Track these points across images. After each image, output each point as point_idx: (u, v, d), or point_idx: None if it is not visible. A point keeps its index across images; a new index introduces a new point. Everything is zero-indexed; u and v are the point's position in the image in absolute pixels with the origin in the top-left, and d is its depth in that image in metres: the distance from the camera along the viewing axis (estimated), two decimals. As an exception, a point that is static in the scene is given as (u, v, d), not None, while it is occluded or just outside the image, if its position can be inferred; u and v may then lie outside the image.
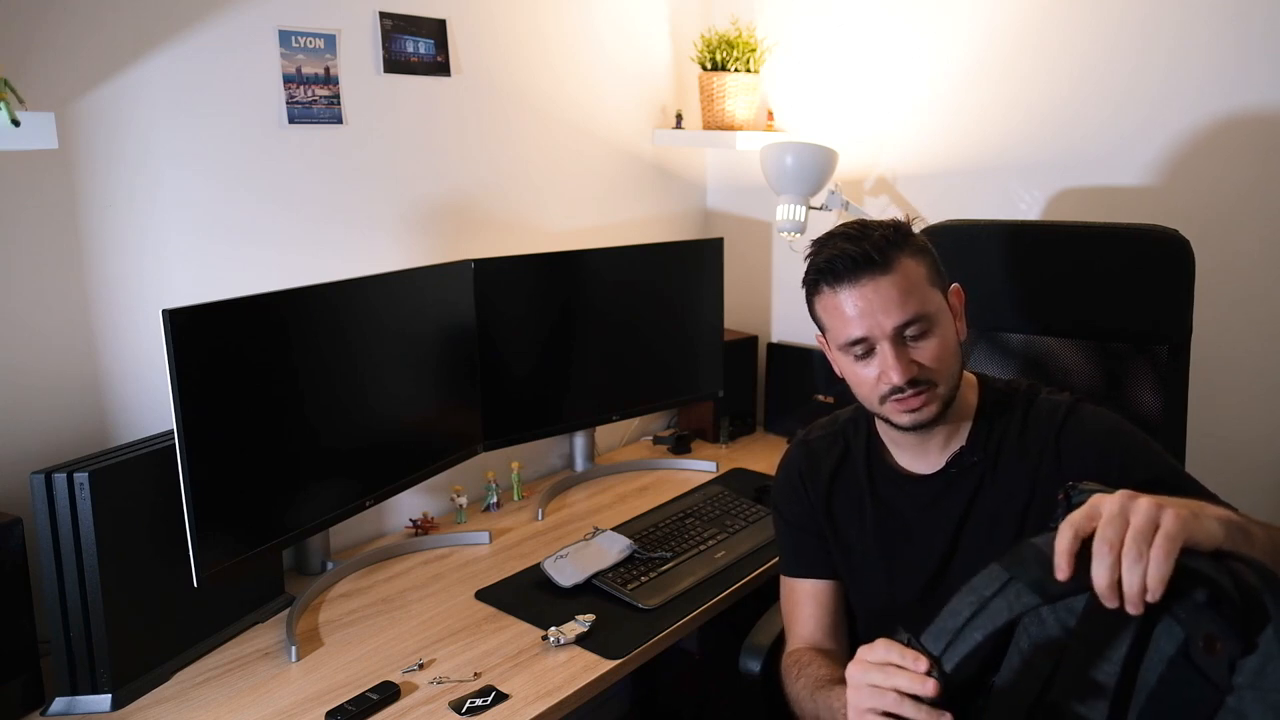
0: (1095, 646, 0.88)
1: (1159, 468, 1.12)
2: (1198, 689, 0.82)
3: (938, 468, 1.23)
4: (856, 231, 1.15)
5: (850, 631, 1.36)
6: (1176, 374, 1.44)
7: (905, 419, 1.16)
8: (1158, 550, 0.77)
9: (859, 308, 1.13)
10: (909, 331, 1.13)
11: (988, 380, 1.26)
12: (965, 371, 1.24)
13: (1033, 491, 1.17)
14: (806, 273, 1.20)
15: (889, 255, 1.12)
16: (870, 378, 1.16)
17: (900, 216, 1.20)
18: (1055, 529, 0.95)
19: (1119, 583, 0.78)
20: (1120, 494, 0.81)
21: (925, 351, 1.13)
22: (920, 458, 1.24)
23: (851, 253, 1.12)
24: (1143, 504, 0.79)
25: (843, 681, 1.16)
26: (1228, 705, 0.80)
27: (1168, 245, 1.43)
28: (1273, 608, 0.77)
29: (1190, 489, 1.09)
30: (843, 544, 1.31)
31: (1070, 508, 0.93)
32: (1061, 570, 0.80)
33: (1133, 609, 0.78)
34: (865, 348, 1.14)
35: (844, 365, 1.20)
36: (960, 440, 1.22)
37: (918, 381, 1.13)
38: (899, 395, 1.14)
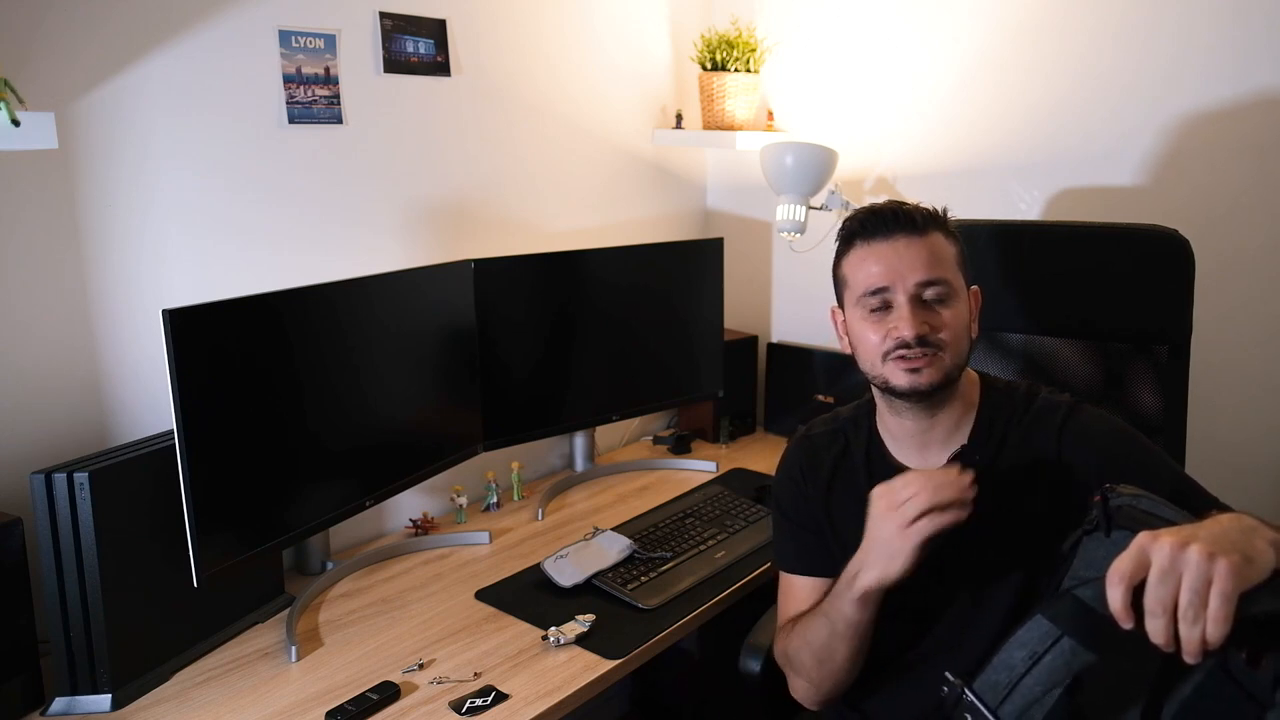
0: (1128, 653, 0.87)
1: (1161, 471, 1.12)
2: (1235, 702, 0.81)
3: (939, 464, 1.23)
4: (897, 203, 1.20)
5: None
6: (1176, 374, 1.44)
7: (904, 380, 1.15)
8: (1215, 611, 0.76)
9: (887, 259, 1.16)
10: (929, 293, 1.15)
11: (988, 379, 1.27)
12: (969, 369, 1.25)
13: (1034, 491, 1.17)
14: (840, 232, 1.24)
15: (926, 224, 1.17)
16: (878, 337, 1.17)
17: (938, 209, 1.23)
18: (1080, 542, 0.94)
19: (1176, 636, 0.77)
20: (1168, 541, 0.79)
21: (940, 317, 1.15)
22: (921, 453, 1.25)
23: (891, 210, 1.18)
24: (1194, 557, 0.77)
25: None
26: None
27: (1167, 245, 1.42)
28: None
29: (1190, 492, 1.09)
30: (841, 540, 1.30)
31: (1107, 511, 0.92)
32: (1125, 622, 0.79)
33: (1191, 659, 0.77)
34: (882, 300, 1.16)
35: (854, 325, 1.21)
36: (962, 438, 1.22)
37: (925, 341, 1.13)
38: (904, 350, 1.14)
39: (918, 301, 1.15)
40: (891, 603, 1.28)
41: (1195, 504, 1.03)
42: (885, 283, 1.16)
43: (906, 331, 1.13)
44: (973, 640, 1.16)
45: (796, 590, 1.36)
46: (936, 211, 1.20)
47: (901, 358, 1.15)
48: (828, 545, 1.32)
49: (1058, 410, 1.19)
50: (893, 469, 1.26)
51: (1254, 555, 0.79)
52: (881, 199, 2.20)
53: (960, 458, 1.21)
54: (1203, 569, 0.77)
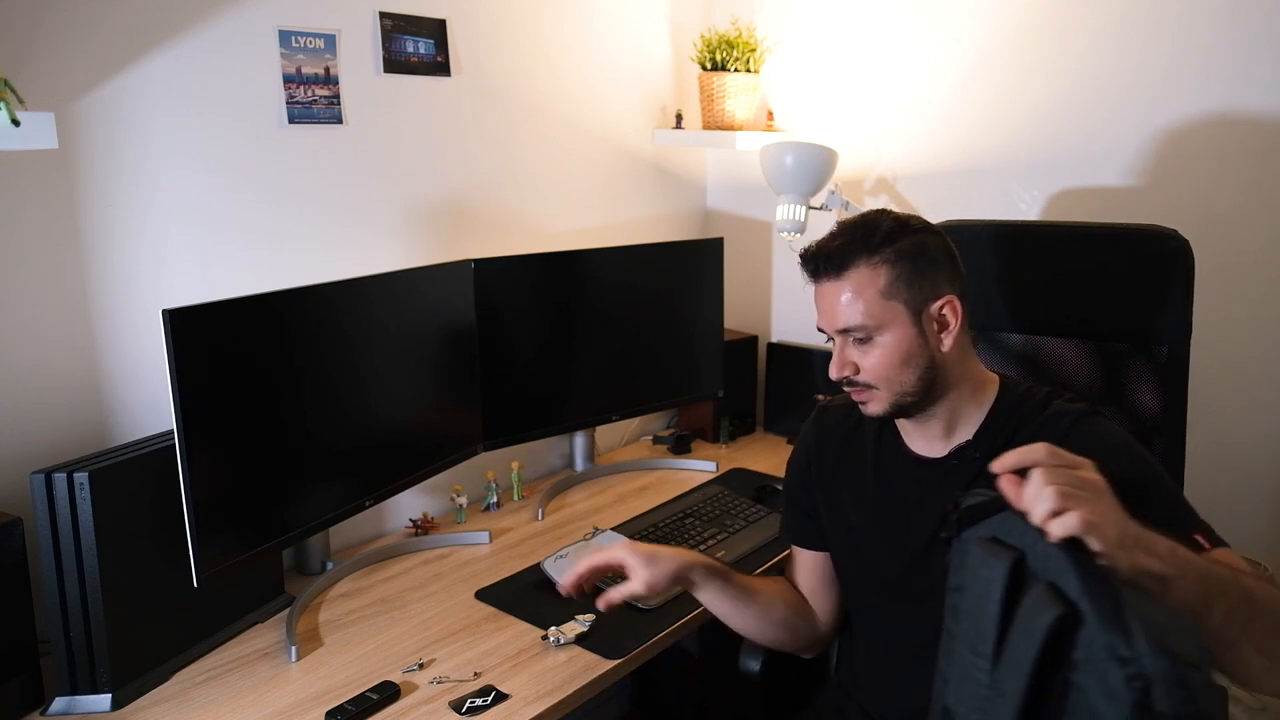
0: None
1: (1156, 491, 1.11)
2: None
3: (942, 454, 1.25)
4: (840, 229, 1.22)
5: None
6: (1176, 374, 1.44)
7: (859, 406, 1.24)
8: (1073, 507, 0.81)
9: (819, 303, 1.23)
10: (852, 336, 1.19)
11: (1009, 382, 1.27)
12: (988, 371, 1.27)
13: None
14: None
15: (845, 262, 1.18)
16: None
17: (925, 214, 1.24)
18: (949, 555, 0.95)
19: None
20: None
21: (864, 358, 1.20)
22: (924, 442, 1.27)
23: (812, 252, 1.21)
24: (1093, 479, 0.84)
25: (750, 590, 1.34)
26: (1073, 683, 0.80)
27: (1167, 245, 1.42)
28: (1082, 580, 0.79)
29: (1183, 516, 1.09)
30: (840, 515, 1.34)
31: (960, 516, 0.94)
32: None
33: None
34: (828, 334, 1.23)
35: None
36: (967, 434, 1.24)
37: (853, 382, 1.21)
38: (843, 385, 1.23)
39: (846, 340, 1.21)
40: (874, 583, 1.29)
41: (1185, 528, 1.04)
42: (821, 325, 1.23)
43: (831, 374, 1.22)
44: None
45: (795, 557, 1.44)
46: (870, 233, 1.18)
47: (844, 387, 1.24)
48: (820, 524, 1.38)
49: (1065, 418, 1.19)
50: (899, 454, 1.29)
51: (1142, 546, 0.83)
52: (881, 199, 2.23)
53: (960, 453, 1.23)
54: (1089, 485, 0.84)
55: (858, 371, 1.20)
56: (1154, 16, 1.80)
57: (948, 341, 1.19)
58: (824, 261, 1.19)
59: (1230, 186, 1.77)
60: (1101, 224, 1.51)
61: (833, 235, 1.21)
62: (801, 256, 1.23)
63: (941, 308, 1.19)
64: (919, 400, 1.20)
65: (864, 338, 1.18)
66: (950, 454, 1.24)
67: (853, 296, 1.17)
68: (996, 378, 1.27)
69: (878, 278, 1.17)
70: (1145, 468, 1.15)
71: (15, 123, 1.12)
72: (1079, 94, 1.91)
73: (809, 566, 1.42)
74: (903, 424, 1.28)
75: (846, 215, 2.12)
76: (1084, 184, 1.94)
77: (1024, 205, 2.02)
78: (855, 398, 1.23)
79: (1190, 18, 1.76)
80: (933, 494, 1.24)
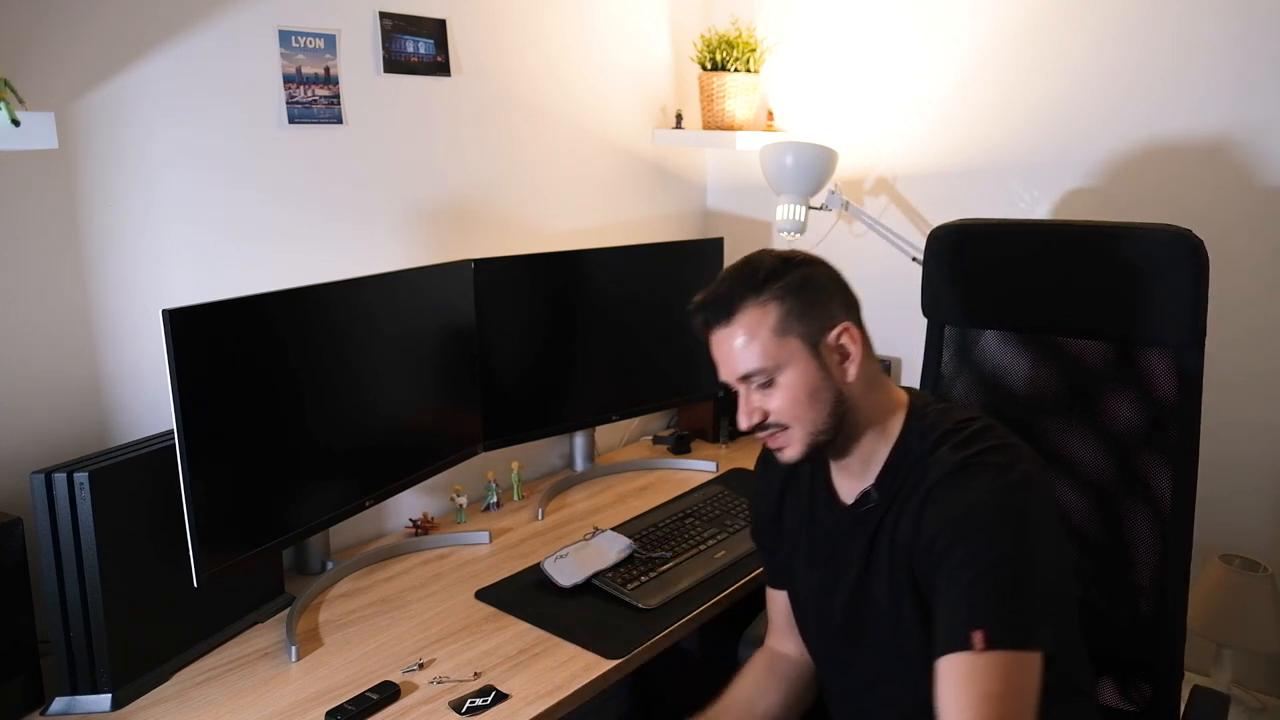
0: None
1: (974, 566, 1.03)
2: None
3: (854, 495, 1.20)
4: (723, 275, 1.16)
5: None
6: (1190, 375, 1.43)
7: (776, 454, 1.18)
8: None
9: (715, 354, 1.16)
10: (752, 381, 1.14)
11: (914, 413, 1.19)
12: (900, 397, 1.20)
13: (904, 541, 1.12)
14: None
15: (732, 306, 1.12)
16: None
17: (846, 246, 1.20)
18: None
19: None
20: None
21: (769, 400, 1.14)
22: (846, 483, 1.21)
23: (699, 303, 1.16)
24: None
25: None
26: None
27: (1181, 245, 1.41)
28: None
29: (984, 603, 1.01)
30: (788, 556, 1.30)
31: None
32: None
33: None
34: (731, 386, 1.17)
35: None
36: (870, 478, 1.18)
37: (764, 425, 1.15)
38: (756, 432, 1.17)
39: (749, 389, 1.14)
40: (821, 630, 1.27)
41: (971, 619, 0.99)
42: (723, 377, 1.17)
43: (741, 423, 1.16)
44: (900, 668, 1.15)
45: (770, 595, 1.39)
46: (754, 273, 1.13)
47: (759, 434, 1.17)
48: (781, 557, 1.33)
49: (938, 468, 1.11)
50: (827, 496, 1.24)
51: None
52: (881, 199, 2.23)
53: (864, 499, 1.18)
54: None
55: (766, 416, 1.14)
56: (1154, 17, 1.80)
57: (851, 370, 1.13)
58: (711, 309, 1.13)
59: (1229, 187, 1.77)
60: (1116, 223, 1.50)
61: (717, 283, 1.15)
62: (689, 311, 1.17)
63: (839, 336, 1.13)
64: (833, 439, 1.15)
65: (766, 381, 1.12)
66: (856, 501, 1.19)
67: (747, 340, 1.11)
68: (905, 407, 1.19)
69: (768, 316, 1.11)
70: (991, 538, 1.04)
71: (15, 123, 1.12)
72: (1079, 94, 1.91)
73: (779, 606, 1.36)
74: (831, 463, 1.23)
75: (847, 215, 2.12)
76: (1084, 184, 1.94)
77: (1024, 205, 2.02)
78: (771, 445, 1.17)
79: (1190, 18, 1.76)
80: (848, 543, 1.20)
